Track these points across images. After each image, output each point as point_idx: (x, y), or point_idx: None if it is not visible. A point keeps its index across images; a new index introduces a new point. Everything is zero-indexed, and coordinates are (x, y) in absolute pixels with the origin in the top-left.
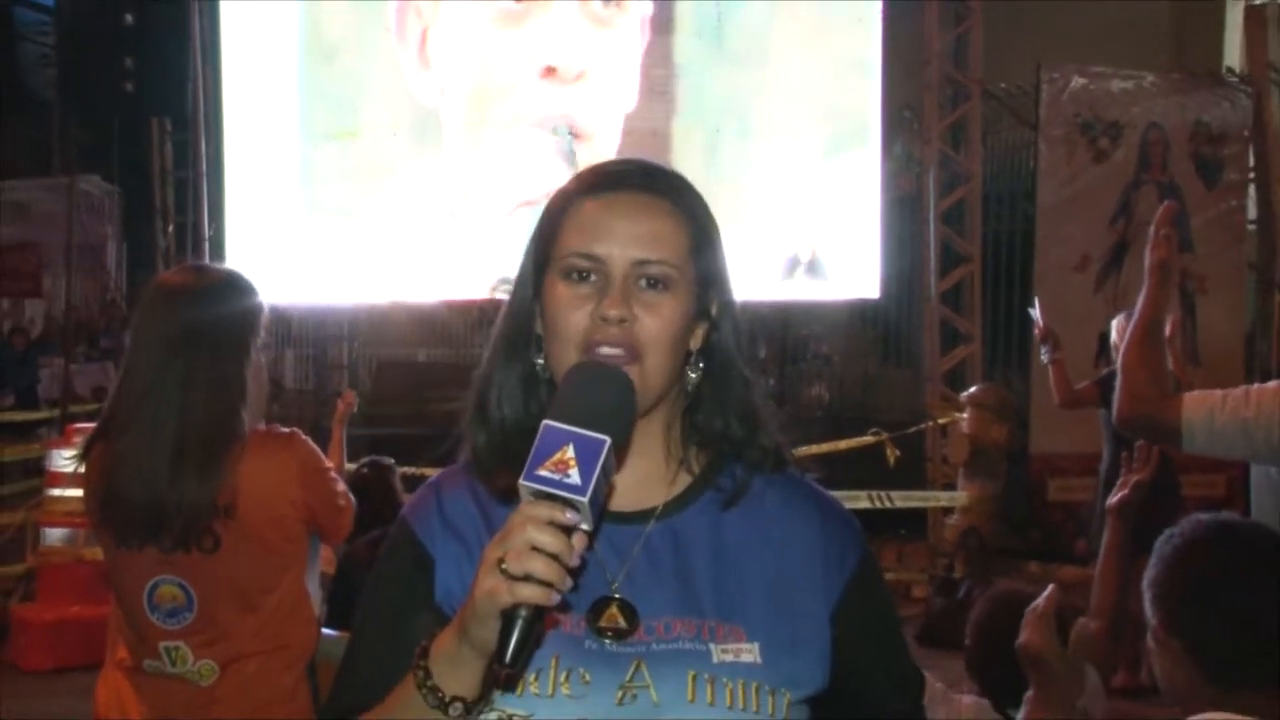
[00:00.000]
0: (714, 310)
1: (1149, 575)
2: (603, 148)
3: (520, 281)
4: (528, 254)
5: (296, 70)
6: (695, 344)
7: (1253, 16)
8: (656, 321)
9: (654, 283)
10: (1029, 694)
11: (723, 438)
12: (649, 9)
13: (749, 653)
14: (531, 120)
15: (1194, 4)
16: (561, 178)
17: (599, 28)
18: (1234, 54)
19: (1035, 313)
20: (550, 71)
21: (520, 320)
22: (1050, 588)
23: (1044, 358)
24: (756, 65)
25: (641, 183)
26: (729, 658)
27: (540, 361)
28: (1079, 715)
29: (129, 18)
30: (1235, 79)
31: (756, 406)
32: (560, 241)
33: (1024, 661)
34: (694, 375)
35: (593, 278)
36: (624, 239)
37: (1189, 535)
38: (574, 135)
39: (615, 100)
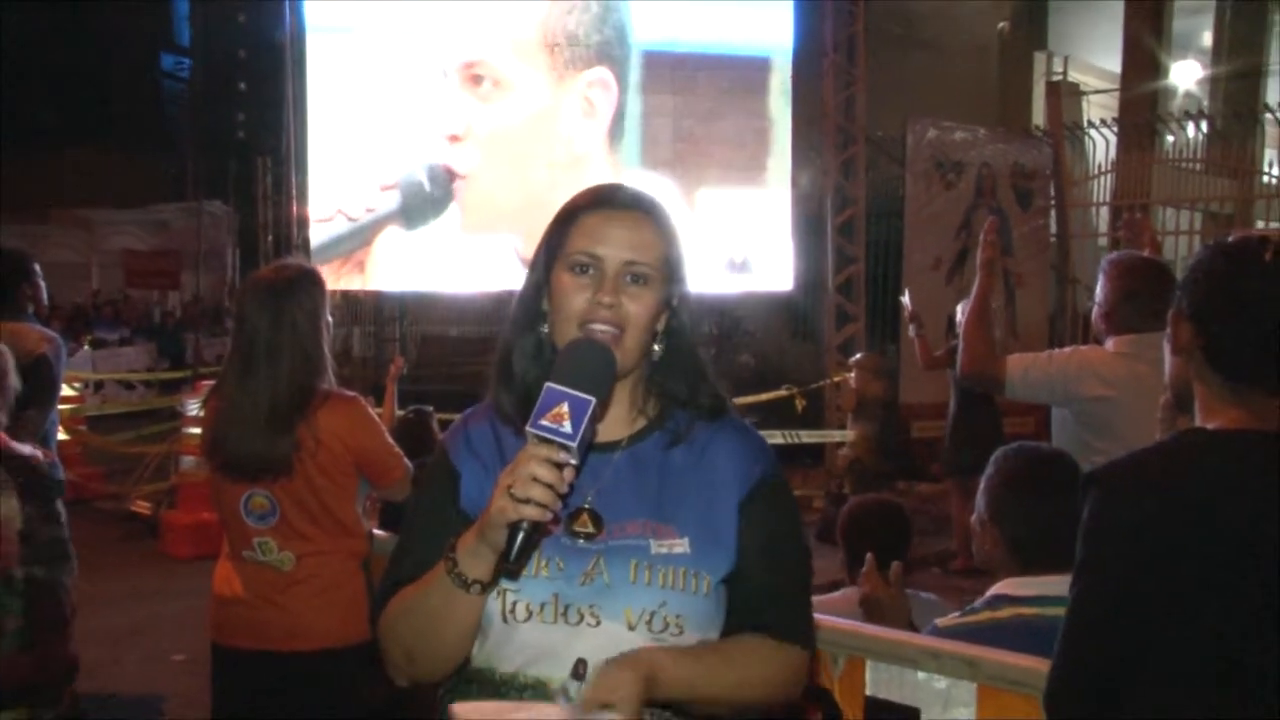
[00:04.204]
0: (675, 301)
1: (985, 478)
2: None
3: (533, 270)
4: (540, 249)
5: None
6: (660, 326)
7: (1051, 89)
8: (637, 307)
9: (637, 279)
10: None
11: (675, 395)
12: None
13: (680, 546)
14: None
15: (1012, 79)
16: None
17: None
18: (1040, 115)
19: (906, 301)
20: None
21: (531, 299)
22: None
23: (911, 333)
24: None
25: (632, 202)
26: (664, 550)
27: (546, 331)
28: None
29: (242, 85)
30: (1040, 133)
31: (703, 371)
32: (568, 243)
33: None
34: (658, 349)
35: (591, 271)
36: (618, 244)
37: (1013, 456)
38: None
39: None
